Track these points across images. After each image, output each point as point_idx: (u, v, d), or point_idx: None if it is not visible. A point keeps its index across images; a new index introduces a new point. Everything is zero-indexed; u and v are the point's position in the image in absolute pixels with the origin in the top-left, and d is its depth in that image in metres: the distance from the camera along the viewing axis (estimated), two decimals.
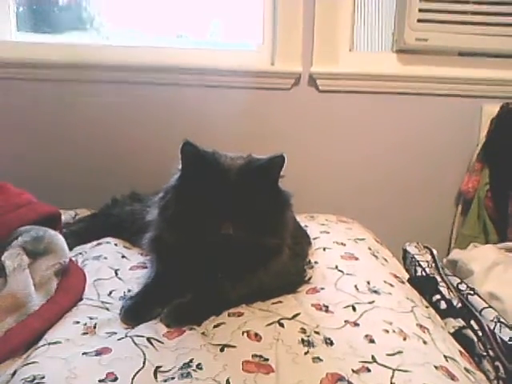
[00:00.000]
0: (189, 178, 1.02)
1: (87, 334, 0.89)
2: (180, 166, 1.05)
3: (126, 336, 0.87)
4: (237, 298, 0.99)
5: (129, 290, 1.06)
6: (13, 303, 0.90)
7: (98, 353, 0.82)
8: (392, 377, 0.75)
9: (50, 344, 0.85)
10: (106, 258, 1.22)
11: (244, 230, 0.95)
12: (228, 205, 0.95)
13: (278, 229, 1.03)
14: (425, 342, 0.88)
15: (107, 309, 0.99)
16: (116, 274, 1.15)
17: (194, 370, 0.77)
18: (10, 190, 1.18)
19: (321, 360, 0.79)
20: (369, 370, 0.77)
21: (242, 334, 0.87)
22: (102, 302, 1.01)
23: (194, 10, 2.07)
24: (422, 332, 0.91)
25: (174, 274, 1.02)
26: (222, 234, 0.94)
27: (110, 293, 1.05)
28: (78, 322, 0.92)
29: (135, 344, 0.85)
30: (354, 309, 0.96)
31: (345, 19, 1.86)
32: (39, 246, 1.04)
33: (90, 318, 0.94)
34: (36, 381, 0.74)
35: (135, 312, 0.95)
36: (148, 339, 0.86)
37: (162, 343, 0.86)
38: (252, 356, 0.80)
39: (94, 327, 0.91)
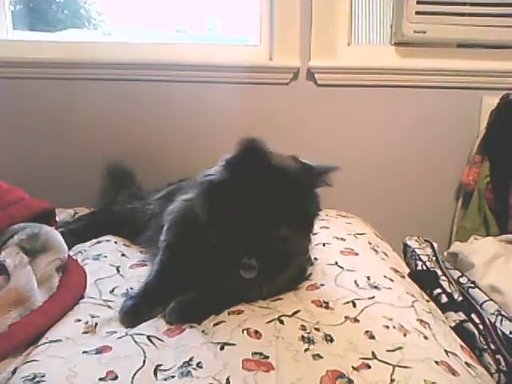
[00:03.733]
0: (239, 175, 0.95)
1: (88, 332, 0.89)
2: (229, 161, 0.98)
3: (127, 334, 0.87)
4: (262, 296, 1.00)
5: (131, 288, 1.06)
6: (16, 297, 0.90)
7: (99, 351, 0.82)
8: (392, 373, 0.75)
9: (50, 342, 0.85)
10: (105, 256, 1.22)
11: (290, 231, 0.93)
12: (280, 206, 0.92)
13: (310, 231, 1.04)
14: (425, 337, 0.87)
15: (109, 307, 0.98)
16: (118, 271, 1.15)
17: (194, 368, 0.77)
18: (1, 186, 1.16)
19: (321, 357, 0.79)
20: (369, 367, 0.76)
21: (242, 331, 0.87)
22: (104, 301, 1.01)
23: (192, 4, 2.07)
24: (422, 327, 0.91)
25: (179, 271, 1.01)
26: (271, 235, 0.93)
27: (113, 290, 1.06)
28: (79, 321, 0.92)
29: (135, 342, 0.85)
30: (354, 305, 0.96)
31: (342, 13, 1.85)
32: (36, 243, 1.04)
33: (92, 317, 0.94)
34: (36, 379, 0.74)
35: (134, 313, 0.95)
36: (148, 337, 0.86)
37: (163, 341, 0.86)
38: (252, 354, 0.80)
39: (95, 326, 0.91)
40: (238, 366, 0.77)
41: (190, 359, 0.79)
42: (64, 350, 0.82)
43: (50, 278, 1.00)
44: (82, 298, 1.01)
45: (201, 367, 0.77)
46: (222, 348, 0.82)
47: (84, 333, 0.89)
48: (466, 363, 0.83)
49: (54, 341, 0.85)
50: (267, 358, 0.79)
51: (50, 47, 1.86)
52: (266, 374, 0.75)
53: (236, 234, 0.93)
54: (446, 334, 0.93)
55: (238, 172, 0.95)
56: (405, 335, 0.86)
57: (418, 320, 0.93)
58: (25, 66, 1.81)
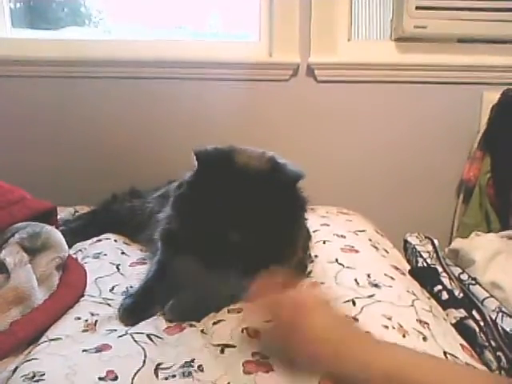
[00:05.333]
0: (203, 177, 0.98)
1: (88, 330, 0.89)
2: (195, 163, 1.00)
3: (127, 333, 0.87)
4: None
5: (131, 286, 1.06)
6: (16, 296, 0.90)
7: (98, 349, 0.82)
8: None
9: (50, 341, 0.84)
10: (105, 254, 1.22)
11: (252, 237, 0.93)
12: (239, 211, 0.92)
13: (290, 235, 1.01)
14: (424, 338, 0.87)
15: (109, 305, 0.98)
16: (118, 269, 1.15)
17: (195, 370, 0.76)
18: (1, 186, 1.16)
19: None
20: None
21: (242, 331, 0.86)
22: (104, 299, 1.01)
23: (192, 1, 2.07)
24: (421, 327, 0.90)
25: (177, 269, 1.01)
26: (230, 241, 0.93)
27: (113, 288, 1.06)
28: (79, 319, 0.92)
29: (135, 341, 0.84)
30: (353, 303, 0.95)
31: (342, 8, 1.85)
32: (36, 242, 1.03)
33: (92, 314, 0.94)
34: (36, 378, 0.74)
35: (134, 311, 0.95)
36: (148, 336, 0.86)
37: (162, 339, 0.85)
38: (252, 354, 0.80)
39: (95, 324, 0.91)
40: (238, 370, 0.76)
41: (192, 361, 0.79)
42: (64, 348, 0.82)
43: (50, 276, 1.00)
44: (82, 296, 1.01)
45: (202, 370, 0.76)
46: (222, 351, 0.82)
47: (84, 331, 0.89)
48: (466, 364, 0.83)
49: (54, 339, 0.85)
50: (266, 358, 0.79)
51: (50, 45, 1.86)
52: (265, 375, 0.75)
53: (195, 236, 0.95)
54: (445, 333, 0.92)
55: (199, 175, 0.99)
56: (404, 336, 0.86)
57: (417, 320, 0.92)
58: (25, 65, 1.81)
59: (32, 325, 0.88)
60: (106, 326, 0.91)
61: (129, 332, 0.88)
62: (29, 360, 0.79)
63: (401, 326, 0.88)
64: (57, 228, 1.17)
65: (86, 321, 0.92)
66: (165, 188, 1.42)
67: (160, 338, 0.86)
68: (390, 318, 0.90)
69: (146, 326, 0.90)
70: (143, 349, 0.82)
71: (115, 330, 0.89)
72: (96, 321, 0.92)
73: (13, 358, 0.82)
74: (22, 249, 1.01)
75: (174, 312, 0.94)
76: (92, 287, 1.05)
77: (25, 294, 0.92)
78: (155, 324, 0.91)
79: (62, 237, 1.10)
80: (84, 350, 0.81)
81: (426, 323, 0.93)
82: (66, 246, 1.09)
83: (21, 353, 0.84)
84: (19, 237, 1.03)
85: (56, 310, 0.94)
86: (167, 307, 0.95)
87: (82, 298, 1.00)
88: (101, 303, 0.99)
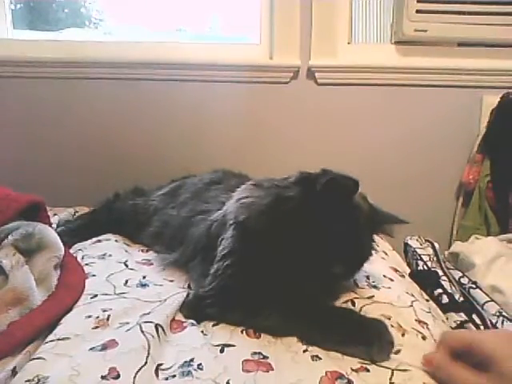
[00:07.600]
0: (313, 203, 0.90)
1: (98, 327, 0.87)
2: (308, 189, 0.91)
3: (137, 324, 0.86)
4: None
5: (144, 277, 1.07)
6: (15, 297, 0.90)
7: (104, 347, 0.80)
8: (391, 376, 0.75)
9: (58, 340, 0.83)
10: (110, 255, 1.21)
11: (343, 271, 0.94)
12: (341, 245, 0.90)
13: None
14: (423, 338, 0.87)
15: (124, 297, 0.97)
16: (126, 265, 1.15)
17: (194, 369, 0.76)
18: None
19: (320, 358, 0.79)
20: (368, 370, 0.76)
21: (241, 332, 0.86)
22: (118, 294, 0.99)
23: (192, 3, 2.07)
24: (420, 327, 0.90)
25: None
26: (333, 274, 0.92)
27: (126, 282, 1.05)
28: (89, 317, 0.90)
29: (142, 332, 0.83)
30: (353, 304, 0.95)
31: (343, 11, 1.86)
32: (31, 242, 1.03)
33: (104, 311, 0.92)
34: (40, 382, 0.72)
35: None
36: (156, 326, 0.84)
37: (166, 336, 0.84)
38: (251, 354, 0.80)
39: (108, 319, 0.89)
40: (238, 369, 0.76)
41: (191, 360, 0.78)
42: (71, 347, 0.81)
43: (47, 276, 0.99)
44: (92, 296, 0.99)
45: (201, 369, 0.76)
46: (221, 351, 0.81)
47: (94, 328, 0.87)
48: None
49: (62, 338, 0.83)
50: (266, 358, 0.79)
51: (51, 46, 1.86)
52: (265, 374, 0.75)
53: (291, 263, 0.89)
54: None
55: (312, 200, 0.90)
56: (403, 335, 0.86)
57: (416, 320, 0.93)
58: (25, 65, 1.82)
59: (30, 326, 0.87)
60: (120, 319, 0.89)
61: (139, 322, 0.86)
62: (34, 359, 0.77)
63: (400, 326, 0.88)
64: (49, 224, 1.17)
65: (97, 317, 0.90)
66: (168, 187, 1.42)
67: (165, 332, 0.85)
68: (389, 318, 0.90)
69: (157, 316, 0.88)
70: (148, 343, 0.80)
71: (127, 323, 0.87)
72: (109, 316, 0.90)
73: (11, 358, 0.81)
74: (17, 250, 1.00)
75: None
76: (105, 285, 1.03)
77: (23, 294, 0.91)
78: (166, 313, 0.90)
79: (56, 235, 1.09)
80: (90, 349, 0.80)
81: (425, 323, 0.93)
82: (62, 245, 1.07)
83: (19, 352, 0.82)
84: (13, 238, 1.01)
85: (55, 312, 0.92)
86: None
87: (95, 298, 0.98)
88: (114, 299, 0.97)
